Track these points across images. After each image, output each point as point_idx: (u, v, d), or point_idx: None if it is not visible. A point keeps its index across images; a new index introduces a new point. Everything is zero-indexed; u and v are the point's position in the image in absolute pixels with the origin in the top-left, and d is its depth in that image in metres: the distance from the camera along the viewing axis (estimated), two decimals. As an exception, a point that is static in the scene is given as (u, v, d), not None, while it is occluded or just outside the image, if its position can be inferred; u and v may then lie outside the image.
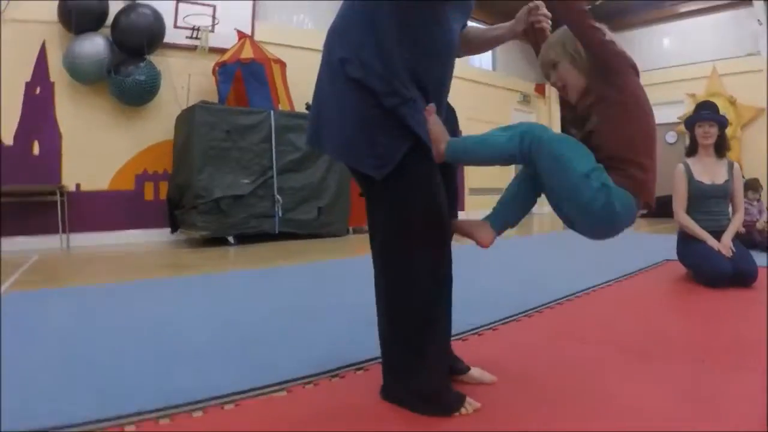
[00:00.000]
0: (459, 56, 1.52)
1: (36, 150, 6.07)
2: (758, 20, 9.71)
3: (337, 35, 1.34)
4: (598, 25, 1.23)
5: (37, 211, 5.93)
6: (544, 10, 1.46)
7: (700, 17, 10.84)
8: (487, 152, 1.23)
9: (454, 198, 1.47)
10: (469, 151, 1.25)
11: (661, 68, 11.08)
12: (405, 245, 1.26)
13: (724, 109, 9.66)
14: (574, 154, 1.14)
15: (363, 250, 2.36)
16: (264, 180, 6.11)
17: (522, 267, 4.13)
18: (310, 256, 4.90)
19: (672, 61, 11.11)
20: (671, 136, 10.87)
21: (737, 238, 3.26)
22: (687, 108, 10.43)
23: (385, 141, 1.23)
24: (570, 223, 1.28)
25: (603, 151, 1.19)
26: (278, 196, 6.12)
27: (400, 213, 1.27)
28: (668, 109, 10.68)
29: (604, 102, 1.24)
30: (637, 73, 1.28)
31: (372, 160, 1.24)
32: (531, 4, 1.47)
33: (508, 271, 3.85)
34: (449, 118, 1.46)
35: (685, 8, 10.94)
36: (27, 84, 6.04)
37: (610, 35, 1.26)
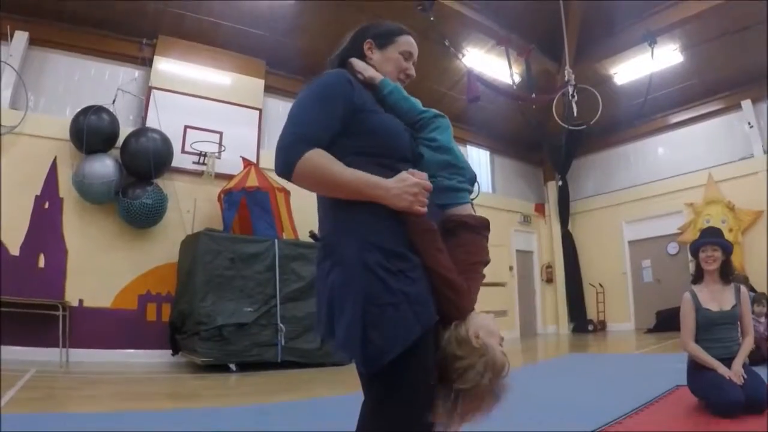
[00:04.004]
0: None
1: (41, 263, 6.09)
2: (748, 123, 9.76)
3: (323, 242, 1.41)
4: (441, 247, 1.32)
5: (38, 324, 5.77)
6: None
7: (692, 126, 10.84)
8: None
9: None
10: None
11: (658, 180, 11.15)
12: None
13: (723, 215, 9.69)
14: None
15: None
16: (267, 308, 6.06)
17: (527, 403, 3.81)
18: (312, 391, 4.73)
19: (668, 172, 11.05)
20: (673, 247, 10.74)
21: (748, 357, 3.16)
22: (686, 218, 10.43)
23: (377, 341, 1.25)
24: None
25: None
26: (281, 325, 6.05)
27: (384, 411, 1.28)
28: (668, 220, 10.72)
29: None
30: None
31: (363, 356, 1.27)
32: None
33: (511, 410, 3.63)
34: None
35: (675, 119, 11.04)
36: (36, 198, 6.18)
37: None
